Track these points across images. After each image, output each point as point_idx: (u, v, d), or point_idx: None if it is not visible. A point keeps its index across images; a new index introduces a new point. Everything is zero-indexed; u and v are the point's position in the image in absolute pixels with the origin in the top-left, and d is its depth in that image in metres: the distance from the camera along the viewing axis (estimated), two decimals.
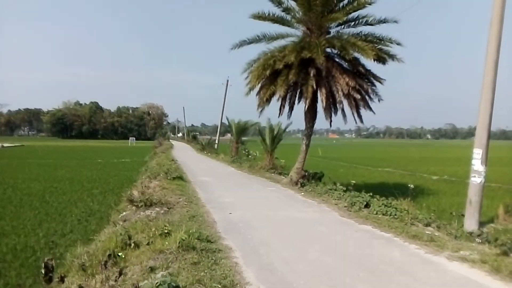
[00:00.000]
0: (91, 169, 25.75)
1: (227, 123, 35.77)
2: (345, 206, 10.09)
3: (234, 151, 31.01)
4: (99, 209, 12.49)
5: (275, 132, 21.45)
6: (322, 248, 6.45)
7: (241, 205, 10.58)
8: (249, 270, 5.30)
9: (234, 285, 4.69)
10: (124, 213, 9.97)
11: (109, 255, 5.29)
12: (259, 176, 18.43)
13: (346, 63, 13.98)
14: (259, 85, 14.51)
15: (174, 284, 4.15)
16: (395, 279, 5.07)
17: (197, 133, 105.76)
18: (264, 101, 14.34)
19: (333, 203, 10.79)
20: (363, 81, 13.86)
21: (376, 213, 9.09)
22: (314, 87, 12.98)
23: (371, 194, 10.56)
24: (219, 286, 4.56)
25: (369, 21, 13.96)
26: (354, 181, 13.27)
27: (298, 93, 14.73)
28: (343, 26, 14.36)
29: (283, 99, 14.62)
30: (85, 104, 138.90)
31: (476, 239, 7.23)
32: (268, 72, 13.47)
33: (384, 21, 13.85)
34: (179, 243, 5.70)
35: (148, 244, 5.98)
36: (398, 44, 13.75)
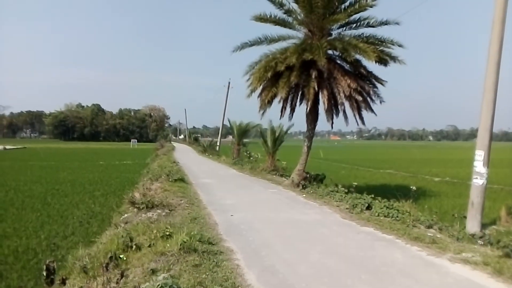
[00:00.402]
0: (93, 171, 25.79)
1: (228, 125, 35.80)
2: (346, 208, 10.07)
3: (236, 153, 31.01)
4: (100, 211, 12.51)
5: (277, 134, 21.44)
6: (324, 250, 6.44)
7: (243, 207, 10.56)
8: (250, 272, 5.29)
9: None
10: (125, 215, 9.96)
11: (111, 257, 5.29)
12: (260, 178, 18.41)
13: (348, 65, 13.98)
14: (261, 87, 14.51)
15: (175, 286, 4.15)
16: (397, 281, 5.06)
17: (198, 135, 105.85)
18: (266, 103, 14.33)
19: (335, 205, 10.76)
20: (365, 82, 13.85)
21: (378, 215, 9.06)
22: (316, 89, 12.97)
23: (372, 196, 10.53)
24: None
25: (371, 23, 13.96)
26: (355, 183, 13.24)
27: (299, 95, 14.72)
28: (344, 28, 14.37)
29: (285, 101, 14.61)
30: (87, 106, 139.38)
31: (478, 241, 7.19)
32: (269, 74, 13.47)
33: (385, 23, 13.85)
34: (180, 245, 5.70)
35: (149, 246, 5.97)
36: (400, 45, 13.76)
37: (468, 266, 5.65)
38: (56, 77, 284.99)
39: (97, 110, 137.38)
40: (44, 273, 4.07)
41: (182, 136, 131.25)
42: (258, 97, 14.84)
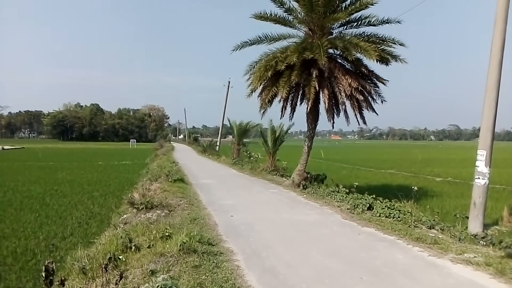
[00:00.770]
0: (92, 172, 25.74)
1: (228, 125, 35.76)
2: (347, 209, 10.01)
3: (236, 153, 30.96)
4: (99, 212, 12.46)
5: (277, 134, 21.38)
6: (325, 251, 6.38)
7: (243, 207, 10.51)
8: (250, 273, 5.23)
9: None
10: (124, 215, 9.92)
11: (110, 258, 5.23)
12: (260, 178, 18.35)
13: (349, 64, 13.92)
14: (261, 86, 14.44)
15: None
16: (399, 282, 5.00)
17: (198, 135, 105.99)
18: (266, 103, 14.27)
19: (336, 205, 10.70)
20: (366, 82, 13.78)
21: (379, 216, 9.00)
22: (317, 88, 12.91)
23: (374, 196, 10.46)
24: None
25: (372, 21, 13.90)
26: (356, 183, 13.20)
27: (300, 94, 14.65)
28: (345, 26, 14.31)
29: (285, 100, 14.55)
30: (86, 106, 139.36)
31: (481, 242, 7.15)
32: (270, 73, 13.40)
33: (387, 21, 13.79)
34: (180, 246, 5.65)
35: (149, 247, 5.92)
36: (401, 44, 13.67)
37: (470, 267, 5.60)
38: (55, 77, 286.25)
39: (96, 110, 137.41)
40: (43, 274, 4.00)
41: (181, 136, 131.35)
42: (258, 96, 14.79)
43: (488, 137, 8.75)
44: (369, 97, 13.95)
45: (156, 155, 38.91)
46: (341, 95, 13.27)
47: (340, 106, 14.08)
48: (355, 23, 14.17)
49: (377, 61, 13.18)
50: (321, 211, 10.12)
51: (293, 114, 15.44)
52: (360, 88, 13.07)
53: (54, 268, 4.59)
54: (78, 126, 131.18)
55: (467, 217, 8.97)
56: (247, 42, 14.88)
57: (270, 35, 14.68)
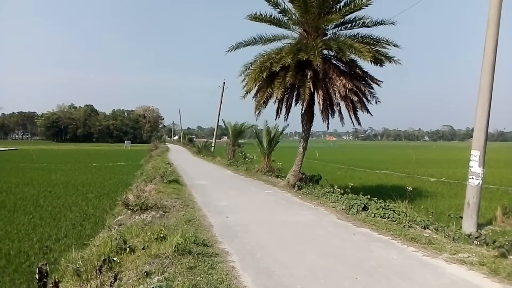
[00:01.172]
0: (86, 173, 25.60)
1: (223, 126, 35.71)
2: (342, 209, 10.03)
3: (231, 154, 30.94)
4: (94, 214, 12.38)
5: (272, 135, 21.40)
6: (320, 252, 6.39)
7: (238, 208, 10.51)
8: (246, 274, 5.23)
9: None
10: (119, 217, 9.87)
11: (104, 260, 5.20)
12: (256, 179, 18.36)
13: (343, 65, 13.95)
14: (256, 87, 14.44)
15: None
16: (393, 282, 5.02)
17: (193, 136, 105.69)
18: (261, 104, 14.28)
19: (331, 206, 10.73)
20: (360, 83, 13.82)
21: (374, 216, 9.03)
22: (311, 89, 12.93)
23: (368, 196, 10.49)
24: None
25: (366, 22, 13.94)
26: (351, 184, 13.24)
27: (295, 95, 14.67)
28: (339, 28, 14.35)
29: (280, 101, 14.57)
30: (80, 107, 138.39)
31: (474, 241, 7.20)
32: (265, 75, 13.39)
33: (380, 22, 13.84)
34: (175, 247, 5.63)
35: (143, 248, 5.89)
36: (395, 45, 13.73)
37: (464, 267, 5.63)
38: (49, 78, 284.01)
39: (90, 111, 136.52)
40: (37, 277, 3.97)
41: (176, 137, 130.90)
42: (253, 97, 14.77)
43: (482, 138, 8.81)
44: (363, 98, 13.99)
45: (151, 156, 38.76)
46: (335, 96, 13.30)
47: (334, 107, 14.11)
48: (350, 24, 14.22)
49: (371, 62, 13.24)
50: (316, 212, 10.14)
51: (288, 115, 15.47)
52: (354, 89, 13.11)
53: (48, 270, 4.55)
54: (72, 127, 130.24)
55: (461, 217, 9.03)
56: (242, 43, 14.88)
57: (265, 36, 14.70)
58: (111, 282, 4.63)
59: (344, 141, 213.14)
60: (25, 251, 8.52)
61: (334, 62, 14.09)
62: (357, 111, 14.13)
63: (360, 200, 10.19)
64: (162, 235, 6.23)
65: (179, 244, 5.67)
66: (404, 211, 9.06)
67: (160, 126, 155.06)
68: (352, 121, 14.37)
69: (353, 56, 13.12)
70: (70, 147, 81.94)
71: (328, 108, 14.16)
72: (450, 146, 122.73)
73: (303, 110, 14.19)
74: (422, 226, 8.22)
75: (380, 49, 13.71)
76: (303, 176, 15.31)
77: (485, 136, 8.87)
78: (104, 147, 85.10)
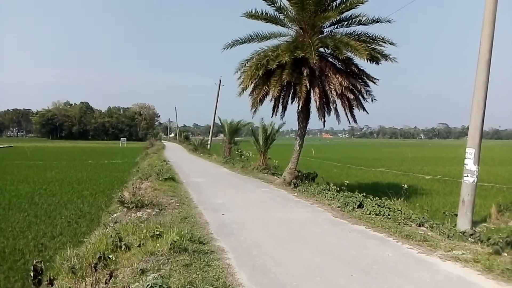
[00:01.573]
0: (81, 170, 25.48)
1: (220, 123, 35.66)
2: (338, 207, 10.06)
3: (227, 152, 30.92)
4: (89, 211, 12.33)
5: (268, 132, 21.38)
6: (315, 249, 6.41)
7: (234, 206, 10.50)
8: (241, 271, 5.23)
9: (226, 287, 4.63)
10: (114, 214, 9.84)
11: (99, 257, 5.17)
12: (252, 176, 18.36)
13: (340, 63, 13.97)
14: (252, 85, 14.43)
15: (165, 286, 4.09)
16: (389, 279, 5.04)
17: (189, 134, 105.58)
18: (257, 101, 14.26)
19: (327, 203, 10.76)
20: (356, 81, 13.84)
21: (370, 213, 9.07)
22: (308, 87, 12.94)
23: (364, 194, 10.54)
24: None
25: (362, 20, 13.96)
26: (347, 181, 13.28)
27: (291, 93, 14.68)
28: (336, 25, 14.36)
29: (276, 99, 14.56)
30: (75, 104, 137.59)
31: (469, 239, 7.24)
32: (261, 72, 13.37)
33: (377, 20, 13.86)
34: (170, 244, 5.63)
35: (139, 246, 5.88)
36: (391, 43, 13.77)
37: (459, 264, 5.67)
38: (45, 75, 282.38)
39: (86, 108, 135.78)
40: (31, 274, 3.95)
41: (172, 135, 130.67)
42: (249, 95, 14.77)
43: (477, 136, 8.85)
44: (359, 96, 14.01)
45: (147, 154, 38.66)
46: (332, 94, 13.31)
47: (331, 104, 14.13)
48: (346, 22, 14.22)
49: (367, 60, 13.24)
50: (312, 209, 10.16)
51: (284, 112, 15.47)
52: (350, 87, 13.12)
53: (43, 267, 4.52)
54: (68, 124, 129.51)
55: (456, 215, 9.06)
56: (238, 40, 14.84)
57: (261, 33, 14.69)
58: (106, 279, 4.62)
59: (340, 139, 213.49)
60: (20, 248, 8.47)
61: (331, 60, 14.10)
62: (353, 109, 14.17)
63: (356, 197, 10.23)
64: (157, 233, 6.22)
65: (175, 242, 5.67)
66: (400, 209, 9.10)
67: (156, 123, 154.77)
68: (348, 119, 14.43)
69: (349, 54, 13.12)
70: (65, 144, 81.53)
71: (324, 106, 14.19)
72: (446, 144, 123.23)
73: (299, 108, 14.20)
74: (417, 224, 8.27)
75: (376, 47, 13.74)
76: (299, 174, 15.34)
77: (480, 134, 8.90)
78: (99, 144, 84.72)
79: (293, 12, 14.07)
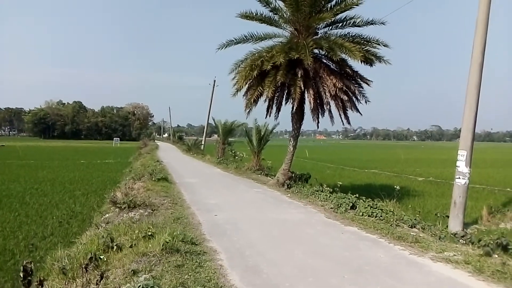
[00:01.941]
0: (74, 170, 25.28)
1: (213, 124, 35.60)
2: (331, 208, 10.08)
3: (221, 152, 30.88)
4: (81, 211, 12.24)
5: (262, 133, 21.38)
6: (308, 250, 6.41)
7: (227, 206, 10.48)
8: (234, 272, 5.21)
9: None
10: (107, 215, 9.79)
11: (91, 258, 5.14)
12: (245, 177, 18.35)
13: (334, 64, 14.00)
14: (247, 85, 14.40)
15: (157, 287, 4.05)
16: (381, 280, 5.06)
17: (183, 134, 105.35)
18: (252, 102, 14.24)
19: (320, 204, 10.77)
20: (350, 82, 13.88)
21: (362, 215, 9.10)
22: (302, 88, 12.95)
23: (357, 195, 10.57)
24: None
25: (357, 22, 14.00)
26: (340, 183, 13.30)
27: (285, 94, 14.69)
28: (330, 27, 14.40)
29: (271, 100, 14.55)
30: (68, 103, 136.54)
31: (460, 240, 7.29)
32: (255, 73, 13.36)
33: (371, 22, 13.91)
34: (162, 245, 5.60)
35: (131, 246, 5.84)
36: (385, 45, 13.82)
37: (450, 265, 5.70)
38: (38, 74, 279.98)
39: (79, 107, 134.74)
40: (21, 275, 3.90)
41: (166, 135, 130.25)
42: (243, 96, 14.75)
43: (469, 138, 8.93)
44: (353, 97, 14.05)
45: (140, 154, 38.49)
46: (326, 95, 13.34)
47: (325, 106, 14.16)
48: (340, 24, 14.27)
49: (361, 62, 13.29)
50: (305, 210, 10.17)
51: (278, 113, 15.49)
52: (344, 88, 13.16)
53: (33, 268, 4.48)
54: (60, 124, 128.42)
55: (448, 216, 9.15)
56: (233, 40, 14.82)
57: (256, 34, 14.68)
58: (97, 280, 4.58)
59: (334, 140, 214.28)
60: (10, 249, 8.39)
61: (325, 61, 14.13)
62: (347, 110, 14.19)
63: (349, 199, 10.25)
64: (150, 233, 6.18)
65: (167, 242, 5.64)
66: (392, 210, 9.14)
67: (150, 123, 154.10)
68: (342, 120, 14.46)
69: (343, 56, 13.16)
70: (58, 144, 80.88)
71: (318, 107, 14.21)
72: (438, 146, 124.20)
73: (293, 109, 14.22)
74: (409, 225, 8.30)
75: (370, 48, 13.78)
76: (293, 175, 15.35)
77: (472, 137, 8.99)
78: (92, 144, 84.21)
79: (288, 13, 14.09)
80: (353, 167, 31.47)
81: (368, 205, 9.48)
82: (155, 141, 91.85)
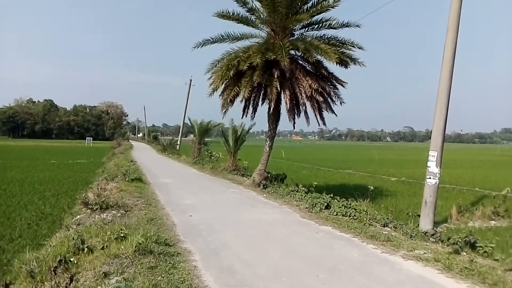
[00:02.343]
0: (44, 171, 24.48)
1: (189, 124, 35.31)
2: (306, 208, 10.17)
3: (197, 152, 30.66)
4: (51, 213, 11.85)
5: (238, 133, 21.36)
6: (283, 250, 6.44)
7: (202, 207, 10.40)
8: (208, 273, 5.18)
9: None
10: (78, 216, 9.54)
11: (60, 260, 5.00)
12: (221, 177, 18.27)
13: (310, 66, 14.10)
14: (223, 85, 14.33)
15: None
16: (354, 279, 5.14)
17: (158, 134, 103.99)
18: (228, 102, 14.19)
19: (295, 204, 10.84)
20: (326, 83, 14.03)
21: (336, 214, 9.22)
22: (278, 88, 12.99)
23: (331, 195, 10.71)
24: None
25: (332, 24, 14.16)
26: (315, 183, 13.43)
27: (262, 94, 14.70)
28: (307, 28, 14.51)
29: (247, 100, 14.55)
30: (39, 102, 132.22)
31: (430, 239, 7.49)
32: (232, 73, 13.32)
33: (346, 25, 14.10)
34: (135, 247, 5.50)
35: (102, 248, 5.71)
36: (360, 48, 14.03)
37: (420, 263, 5.86)
38: (7, 71, 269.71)
39: (50, 106, 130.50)
40: None
41: (141, 135, 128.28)
42: (220, 96, 14.67)
43: (439, 139, 9.19)
44: (328, 99, 14.21)
45: (114, 154, 37.70)
46: (301, 96, 13.44)
47: (301, 106, 14.26)
48: (316, 25, 14.41)
49: (337, 64, 13.44)
50: (280, 210, 10.21)
51: (254, 114, 15.47)
52: (320, 89, 13.29)
53: None
54: (30, 122, 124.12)
55: (419, 215, 9.38)
56: (209, 40, 14.72)
57: (233, 34, 14.63)
58: (66, 283, 4.45)
59: (309, 141, 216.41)
60: None
61: (301, 62, 14.23)
62: (322, 111, 14.32)
63: (323, 198, 10.37)
64: (122, 235, 6.07)
65: (140, 244, 5.55)
66: (365, 210, 9.31)
67: (124, 123, 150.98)
68: (317, 121, 14.57)
69: (319, 57, 13.29)
70: (27, 143, 78.14)
71: (294, 108, 14.29)
72: (411, 147, 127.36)
73: (270, 110, 14.24)
74: (381, 224, 8.48)
75: (345, 50, 13.97)
76: (269, 175, 15.40)
77: (443, 138, 9.25)
78: (64, 143, 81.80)
79: (265, 14, 14.12)
80: (328, 168, 31.85)
81: (342, 205, 9.62)
82: (130, 141, 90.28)
